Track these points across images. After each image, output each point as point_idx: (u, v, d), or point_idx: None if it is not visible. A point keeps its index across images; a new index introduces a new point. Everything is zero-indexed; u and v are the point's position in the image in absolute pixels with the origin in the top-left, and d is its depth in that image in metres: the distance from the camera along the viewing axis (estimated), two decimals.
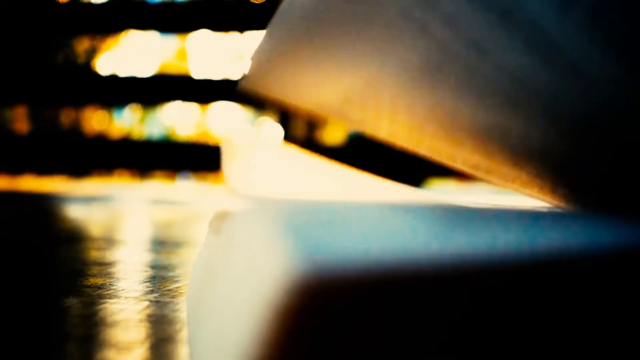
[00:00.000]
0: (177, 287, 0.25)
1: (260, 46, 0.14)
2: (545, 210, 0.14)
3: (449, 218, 0.12)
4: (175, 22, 1.59)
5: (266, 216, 0.12)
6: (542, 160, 0.15)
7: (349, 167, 0.18)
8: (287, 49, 0.14)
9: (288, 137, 1.85)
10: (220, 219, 0.18)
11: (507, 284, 0.09)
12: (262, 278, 0.10)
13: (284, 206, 0.14)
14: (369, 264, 0.09)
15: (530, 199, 0.18)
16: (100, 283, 0.26)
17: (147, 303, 0.22)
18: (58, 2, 1.58)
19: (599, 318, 0.10)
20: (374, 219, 0.12)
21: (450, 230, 0.10)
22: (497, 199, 0.26)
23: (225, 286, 0.13)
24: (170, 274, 0.29)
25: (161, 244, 0.42)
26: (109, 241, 0.43)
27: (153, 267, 0.31)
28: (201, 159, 1.60)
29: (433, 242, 0.10)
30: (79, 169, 1.62)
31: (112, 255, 0.35)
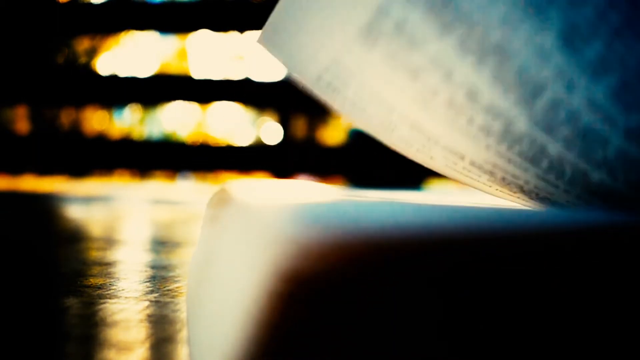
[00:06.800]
0: (177, 287, 0.25)
1: (278, 5, 0.14)
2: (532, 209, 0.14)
3: (442, 209, 0.12)
4: (175, 22, 1.60)
5: (255, 210, 0.12)
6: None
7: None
8: (294, 9, 0.14)
9: (288, 137, 1.85)
10: (220, 199, 0.18)
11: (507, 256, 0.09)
12: (251, 273, 0.10)
13: (273, 199, 0.14)
14: (361, 255, 0.09)
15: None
16: (100, 283, 0.26)
17: (147, 303, 0.22)
18: (58, 2, 1.58)
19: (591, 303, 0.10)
20: (361, 207, 0.12)
21: (444, 223, 0.10)
22: (494, 200, 0.26)
23: (217, 281, 0.13)
24: (170, 274, 0.29)
25: (161, 244, 0.42)
26: (109, 241, 0.43)
27: (153, 267, 0.31)
28: (201, 159, 1.60)
29: (422, 232, 0.10)
30: (79, 169, 1.62)
31: (112, 255, 0.35)
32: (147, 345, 0.16)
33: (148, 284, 0.26)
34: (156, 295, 0.24)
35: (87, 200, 1.09)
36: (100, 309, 0.21)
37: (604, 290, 0.10)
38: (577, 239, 0.10)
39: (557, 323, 0.09)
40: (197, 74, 1.59)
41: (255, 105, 1.65)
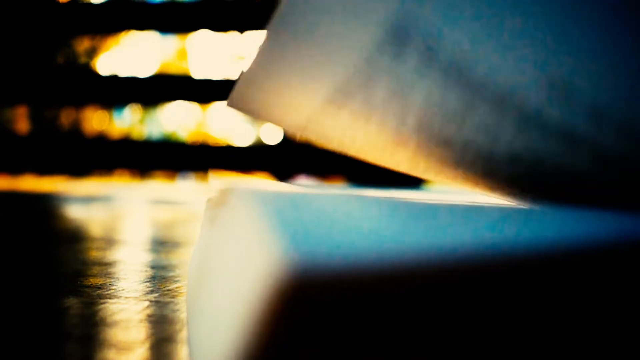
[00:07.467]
0: (177, 287, 0.25)
1: (247, 69, 0.16)
2: (521, 207, 0.14)
3: (436, 214, 0.12)
4: (175, 22, 1.59)
5: (256, 210, 0.12)
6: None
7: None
8: (264, 73, 0.15)
9: (288, 137, 1.85)
10: (219, 199, 0.18)
11: (504, 279, 0.09)
12: (250, 275, 0.10)
13: (273, 199, 0.14)
14: (359, 260, 0.09)
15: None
16: (100, 283, 0.26)
17: (147, 303, 0.22)
18: (58, 2, 1.58)
19: (586, 314, 0.10)
20: (362, 213, 0.12)
21: (439, 225, 0.10)
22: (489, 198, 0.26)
23: (217, 281, 0.13)
24: (170, 274, 0.29)
25: (161, 244, 0.42)
26: (109, 241, 0.43)
27: (153, 267, 0.31)
28: (201, 159, 1.60)
29: (424, 238, 0.10)
30: (79, 169, 1.62)
31: (112, 255, 0.35)
32: (147, 345, 0.16)
33: (148, 284, 0.26)
34: (156, 295, 0.24)
35: (87, 200, 1.09)
36: (100, 309, 0.21)
37: (605, 293, 0.10)
38: (578, 241, 0.10)
39: (558, 326, 0.09)
40: (197, 74, 1.59)
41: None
